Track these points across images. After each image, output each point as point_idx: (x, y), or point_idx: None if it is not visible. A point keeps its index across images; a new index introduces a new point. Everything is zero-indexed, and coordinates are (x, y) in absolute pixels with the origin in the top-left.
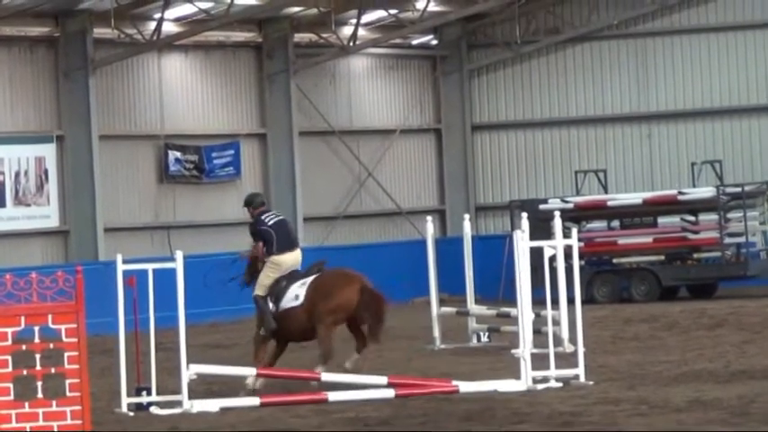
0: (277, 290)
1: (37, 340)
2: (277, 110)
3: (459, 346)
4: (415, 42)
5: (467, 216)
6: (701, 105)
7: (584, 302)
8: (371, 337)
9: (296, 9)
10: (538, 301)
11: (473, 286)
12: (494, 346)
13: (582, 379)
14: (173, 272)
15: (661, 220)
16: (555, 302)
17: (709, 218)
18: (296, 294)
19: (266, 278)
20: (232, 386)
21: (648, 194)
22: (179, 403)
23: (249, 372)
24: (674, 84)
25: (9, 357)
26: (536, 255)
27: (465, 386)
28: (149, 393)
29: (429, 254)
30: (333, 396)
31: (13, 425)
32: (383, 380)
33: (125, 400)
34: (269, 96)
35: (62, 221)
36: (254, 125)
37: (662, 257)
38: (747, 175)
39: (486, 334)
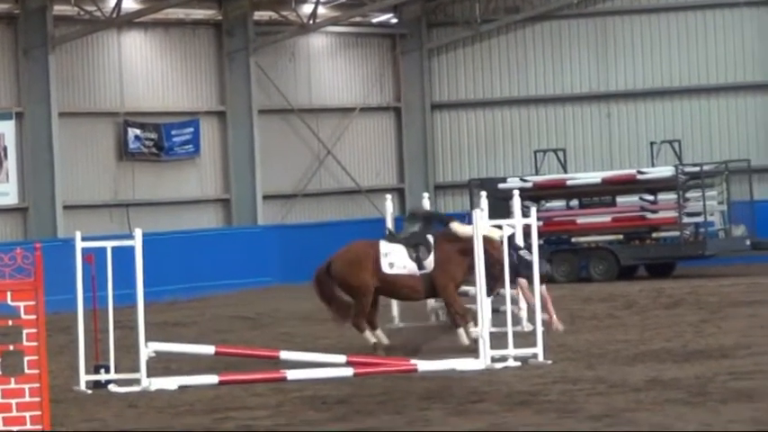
0: None
1: None
2: (237, 88)
3: (418, 325)
4: (375, 21)
5: (426, 194)
6: (661, 85)
7: (542, 282)
8: None
9: None
10: None
11: None
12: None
13: (540, 358)
14: (131, 249)
15: (620, 199)
16: (513, 282)
17: (667, 197)
18: None
19: None
20: (190, 364)
21: (607, 174)
22: (137, 381)
23: (207, 350)
24: (633, 63)
25: None
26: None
27: (424, 365)
28: (107, 371)
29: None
30: (291, 374)
31: None
32: (342, 358)
33: (83, 378)
34: (228, 74)
35: (21, 199)
36: (213, 103)
37: (620, 237)
38: (706, 155)
39: (445, 313)
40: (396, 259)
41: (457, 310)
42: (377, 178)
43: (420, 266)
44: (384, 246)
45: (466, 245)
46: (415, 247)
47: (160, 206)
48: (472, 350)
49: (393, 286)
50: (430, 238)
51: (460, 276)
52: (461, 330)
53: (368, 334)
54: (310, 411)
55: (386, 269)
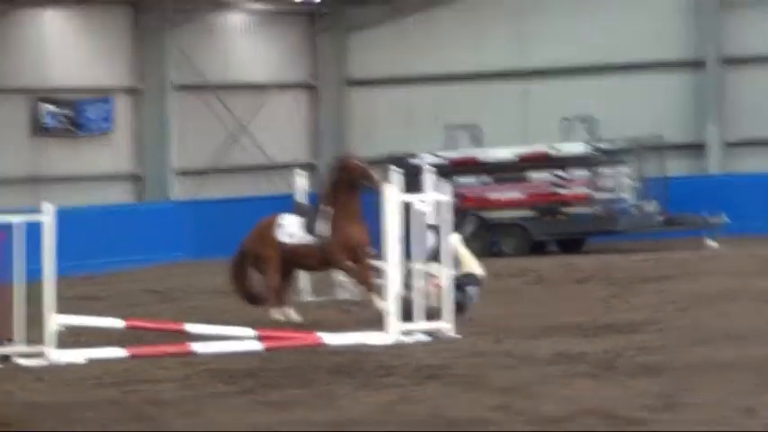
0: None
1: None
2: (152, 64)
3: (326, 299)
4: None
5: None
6: (575, 62)
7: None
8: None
9: None
10: (407, 254)
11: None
12: (361, 299)
13: (449, 332)
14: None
15: (533, 175)
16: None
17: (580, 173)
18: None
19: None
20: (100, 337)
21: (520, 150)
22: (45, 354)
23: (116, 323)
24: (548, 41)
25: None
26: (407, 209)
27: (332, 339)
28: (14, 344)
29: None
30: (200, 348)
31: None
32: (250, 332)
33: None
34: (145, 51)
35: None
36: (129, 80)
37: (533, 212)
38: (619, 132)
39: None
40: (293, 230)
41: (358, 279)
42: (290, 154)
43: (314, 237)
44: (283, 217)
45: (351, 204)
46: (311, 217)
47: (74, 181)
48: (384, 315)
49: (293, 257)
50: (329, 209)
51: (356, 239)
52: (373, 296)
53: (275, 312)
54: (218, 384)
55: (284, 239)
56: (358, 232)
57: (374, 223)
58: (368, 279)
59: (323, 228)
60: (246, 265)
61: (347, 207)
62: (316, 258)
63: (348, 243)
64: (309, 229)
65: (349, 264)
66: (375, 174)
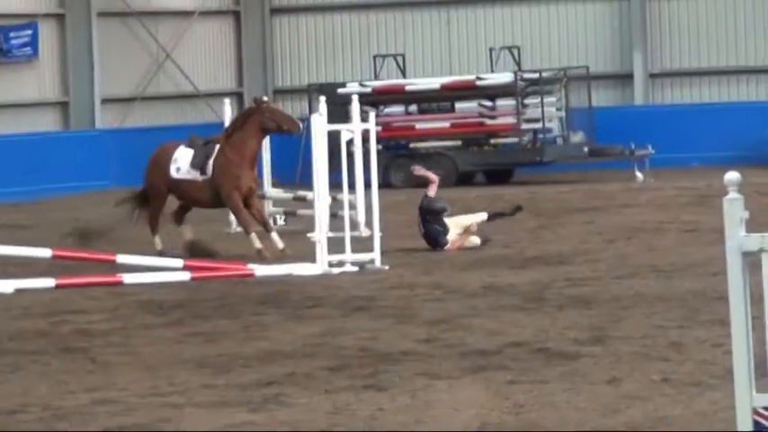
0: None
1: None
2: None
3: (255, 230)
4: None
5: (265, 98)
6: None
7: (380, 187)
8: None
9: None
10: (335, 185)
11: (270, 169)
12: (290, 229)
13: (378, 264)
14: None
15: (459, 105)
16: (352, 187)
17: (506, 104)
18: None
19: None
20: (27, 267)
21: (446, 79)
22: None
23: (44, 253)
24: None
25: None
26: (333, 138)
27: (260, 270)
28: None
29: None
30: (128, 278)
31: None
32: (179, 263)
33: None
34: None
35: None
36: (52, 5)
37: (459, 143)
38: (545, 62)
39: (283, 217)
40: (183, 164)
41: (239, 220)
42: (216, 82)
43: (202, 173)
44: (178, 150)
45: (250, 146)
46: (199, 152)
47: None
48: (263, 258)
49: (178, 191)
50: (216, 145)
51: (245, 182)
52: (252, 236)
53: (156, 239)
54: (147, 315)
55: (173, 173)
56: (251, 175)
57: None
58: (250, 223)
59: (207, 164)
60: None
61: (244, 148)
62: (201, 196)
63: (239, 184)
64: (197, 165)
65: (239, 204)
66: (291, 117)
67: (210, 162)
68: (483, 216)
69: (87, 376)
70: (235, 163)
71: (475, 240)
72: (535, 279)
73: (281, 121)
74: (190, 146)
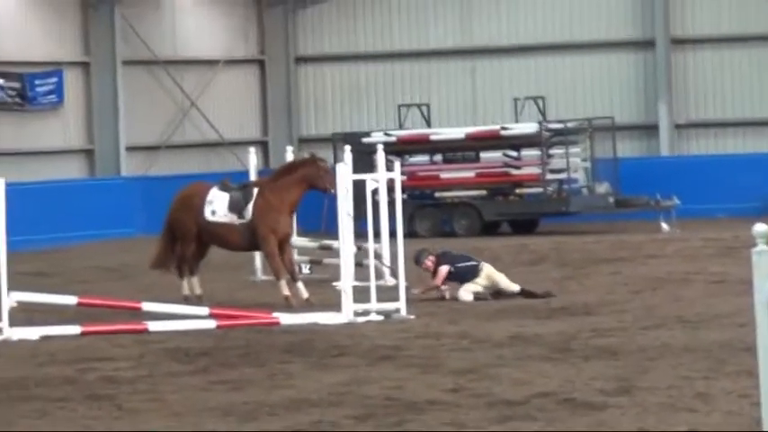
0: None
1: None
2: (101, 38)
3: (285, 277)
4: None
5: (290, 148)
6: (525, 41)
7: (405, 236)
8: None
9: None
10: (360, 233)
11: (295, 218)
12: (315, 278)
13: (403, 313)
14: None
15: (484, 155)
16: (377, 236)
17: (531, 154)
18: None
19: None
20: (53, 314)
21: (471, 129)
22: None
23: (70, 300)
24: (498, 19)
25: None
26: (358, 188)
27: (286, 318)
28: None
29: None
30: (154, 326)
31: None
32: (204, 310)
33: None
34: (93, 24)
35: None
36: (78, 53)
37: (484, 192)
38: (570, 112)
39: (308, 266)
40: (218, 207)
41: (272, 265)
42: (241, 131)
43: (240, 216)
44: (212, 193)
45: (293, 194)
46: (237, 196)
47: (23, 156)
48: (288, 306)
49: (212, 235)
50: (255, 188)
51: (283, 228)
52: (282, 282)
53: (184, 284)
54: (173, 363)
55: (208, 216)
56: (288, 222)
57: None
58: (281, 270)
59: (246, 208)
60: (172, 236)
61: (286, 195)
62: (236, 239)
63: (277, 228)
64: (236, 208)
65: (275, 248)
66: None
67: (249, 206)
68: (516, 288)
69: (114, 423)
70: (275, 207)
71: (513, 287)
72: (561, 329)
73: (332, 185)
74: (223, 189)
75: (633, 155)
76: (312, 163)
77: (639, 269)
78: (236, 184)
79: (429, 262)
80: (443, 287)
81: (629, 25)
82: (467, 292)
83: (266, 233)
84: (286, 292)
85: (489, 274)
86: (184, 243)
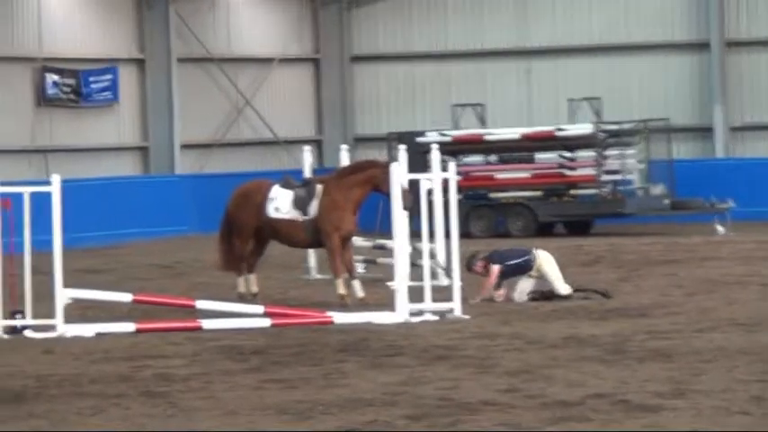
0: None
1: None
2: (156, 36)
3: (343, 276)
4: None
5: (344, 147)
6: (580, 42)
7: (460, 236)
8: None
9: None
10: (415, 233)
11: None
12: (370, 277)
13: (458, 313)
14: (49, 195)
15: (538, 156)
16: (432, 236)
17: (586, 155)
18: None
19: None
20: (107, 311)
21: (526, 130)
22: (54, 327)
23: (124, 297)
24: (553, 20)
25: None
26: (413, 187)
27: (340, 317)
28: (24, 316)
29: None
30: (207, 324)
31: None
32: (259, 309)
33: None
34: (148, 22)
35: None
36: (132, 50)
37: (539, 193)
38: (625, 113)
39: (363, 266)
40: (281, 204)
41: (332, 262)
42: (295, 129)
43: (304, 213)
44: (274, 190)
45: (357, 193)
46: (301, 193)
47: (78, 153)
48: (343, 304)
49: (274, 231)
50: (318, 185)
51: (347, 226)
52: (339, 281)
53: (240, 281)
54: (227, 361)
55: (270, 213)
56: (352, 220)
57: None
58: (340, 268)
59: (311, 204)
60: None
61: (351, 194)
62: (299, 236)
63: (341, 226)
64: (300, 205)
65: (338, 246)
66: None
67: (314, 203)
68: (565, 290)
69: (168, 420)
70: (340, 205)
71: (563, 289)
72: (616, 331)
73: (403, 195)
74: (285, 186)
75: (688, 157)
76: (380, 165)
77: (694, 271)
78: (297, 181)
79: (479, 266)
80: (498, 294)
81: (684, 27)
82: (521, 293)
83: (330, 230)
84: (342, 290)
85: (540, 265)
86: (240, 239)
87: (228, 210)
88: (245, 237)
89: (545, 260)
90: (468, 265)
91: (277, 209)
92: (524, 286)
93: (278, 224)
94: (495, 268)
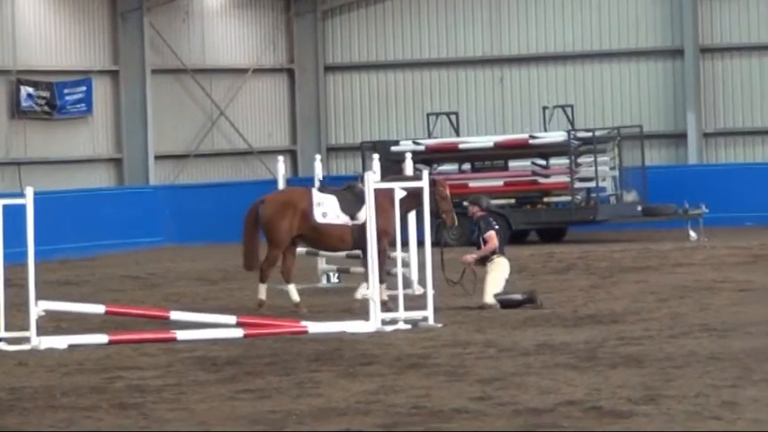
0: None
1: None
2: (130, 47)
3: (308, 287)
4: None
5: (318, 156)
6: (554, 50)
7: (433, 245)
8: None
9: None
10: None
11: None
12: (343, 286)
13: (431, 321)
14: (22, 208)
15: (512, 163)
16: (405, 244)
17: (559, 162)
18: None
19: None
20: (81, 323)
21: (500, 138)
22: (27, 339)
23: (97, 309)
24: (526, 27)
25: None
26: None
27: (314, 327)
28: None
29: None
30: (181, 335)
31: None
32: (232, 319)
33: None
34: (122, 33)
35: None
36: (106, 62)
37: (512, 201)
38: (598, 121)
39: (336, 275)
40: (329, 209)
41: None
42: (269, 140)
43: (353, 218)
44: (317, 195)
45: (402, 205)
46: (349, 197)
47: (52, 165)
48: (388, 309)
49: (323, 236)
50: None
51: (393, 229)
52: (383, 286)
53: (262, 289)
54: (200, 372)
55: (318, 218)
56: (395, 227)
57: None
58: (383, 272)
59: (361, 210)
60: (257, 229)
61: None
62: (347, 239)
63: (389, 231)
64: (349, 210)
65: (385, 250)
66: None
67: (364, 208)
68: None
69: None
70: (387, 211)
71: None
72: (588, 338)
73: (444, 210)
74: (326, 192)
75: (661, 163)
76: (433, 183)
77: (667, 277)
78: (328, 185)
79: (476, 209)
80: (471, 258)
81: (657, 34)
82: (490, 296)
83: (380, 234)
84: (384, 297)
85: (493, 265)
86: (278, 247)
87: (266, 218)
88: (282, 244)
89: (498, 264)
90: (473, 200)
91: (325, 214)
92: (494, 288)
93: (327, 229)
94: (492, 234)
